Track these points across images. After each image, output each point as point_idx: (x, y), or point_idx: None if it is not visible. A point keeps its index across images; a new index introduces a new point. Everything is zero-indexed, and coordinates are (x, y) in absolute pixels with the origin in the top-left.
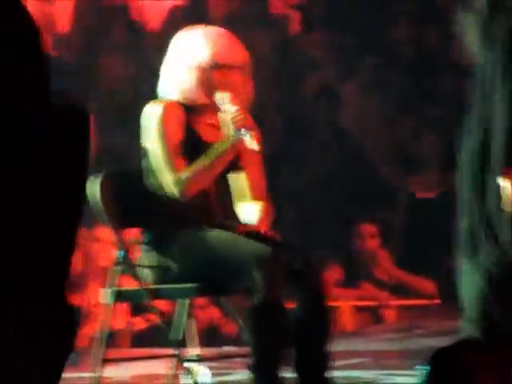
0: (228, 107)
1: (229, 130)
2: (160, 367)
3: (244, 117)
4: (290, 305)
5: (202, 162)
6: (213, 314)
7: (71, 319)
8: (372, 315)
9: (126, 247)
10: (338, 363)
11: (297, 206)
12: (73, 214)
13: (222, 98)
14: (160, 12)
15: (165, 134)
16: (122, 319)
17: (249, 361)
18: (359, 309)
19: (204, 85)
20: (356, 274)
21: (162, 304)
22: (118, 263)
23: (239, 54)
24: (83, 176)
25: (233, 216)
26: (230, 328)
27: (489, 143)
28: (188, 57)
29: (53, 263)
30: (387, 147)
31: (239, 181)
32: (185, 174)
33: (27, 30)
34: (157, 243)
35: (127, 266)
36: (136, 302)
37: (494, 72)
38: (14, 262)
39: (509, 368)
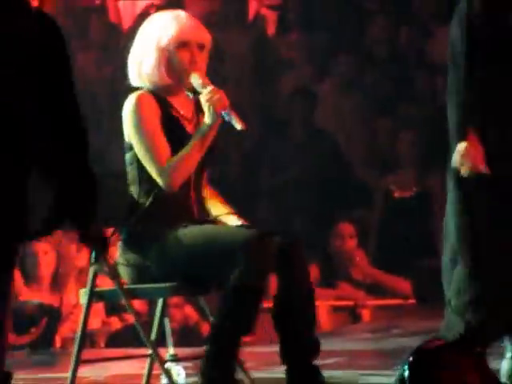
0: (202, 88)
1: (209, 112)
2: (136, 367)
3: (220, 96)
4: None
5: (185, 149)
6: (189, 313)
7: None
8: (349, 315)
9: (100, 246)
10: (315, 363)
11: (273, 205)
12: None
13: (194, 78)
14: (136, 12)
15: (142, 127)
16: (97, 319)
17: (206, 345)
18: (336, 309)
19: (170, 65)
20: (333, 273)
21: (135, 303)
22: (92, 263)
23: (202, 33)
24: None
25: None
26: (207, 328)
27: None
28: (151, 40)
29: None
30: (364, 147)
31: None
32: (168, 163)
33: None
34: (134, 242)
35: (103, 265)
36: (112, 302)
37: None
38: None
39: (486, 368)
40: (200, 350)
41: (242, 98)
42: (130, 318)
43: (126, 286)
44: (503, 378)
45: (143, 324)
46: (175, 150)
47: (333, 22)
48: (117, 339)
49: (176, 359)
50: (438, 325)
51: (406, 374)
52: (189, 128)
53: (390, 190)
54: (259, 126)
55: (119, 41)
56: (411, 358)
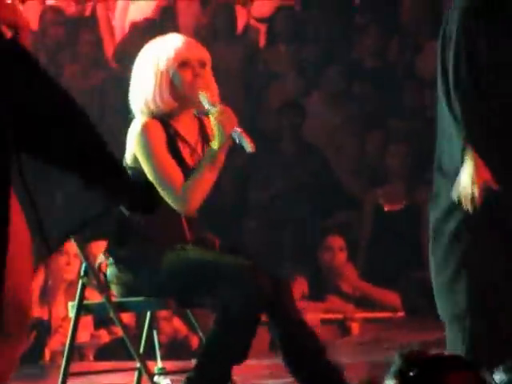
0: (210, 108)
1: (219, 132)
2: (124, 380)
3: (229, 115)
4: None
5: (198, 172)
6: (178, 326)
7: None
8: (338, 328)
9: (89, 260)
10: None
11: (262, 218)
12: None
13: (202, 97)
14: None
15: (152, 155)
16: (86, 332)
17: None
18: (325, 322)
19: (173, 87)
20: (322, 286)
21: (124, 317)
22: (81, 276)
23: (201, 50)
24: None
25: (203, 229)
26: (196, 341)
27: None
28: (150, 65)
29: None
30: (353, 160)
31: None
32: (184, 189)
33: None
34: (126, 261)
35: (91, 278)
36: (101, 315)
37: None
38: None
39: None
40: (188, 363)
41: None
42: (119, 331)
43: (114, 300)
44: None
45: (132, 337)
46: None
47: (322, 34)
48: (105, 352)
49: (164, 372)
50: (428, 337)
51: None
52: (190, 159)
53: (379, 203)
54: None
55: (108, 53)
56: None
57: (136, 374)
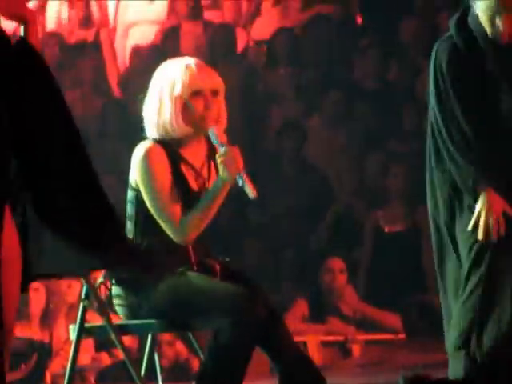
0: (217, 145)
1: (223, 173)
2: None
3: (235, 157)
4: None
5: (199, 206)
6: (180, 349)
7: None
8: (339, 350)
9: (90, 283)
10: None
11: (262, 240)
12: None
13: (211, 133)
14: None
15: (152, 184)
16: (87, 355)
17: None
18: (326, 344)
19: (186, 113)
20: (323, 308)
21: (125, 339)
22: (82, 299)
23: (214, 79)
24: None
25: (207, 253)
26: (197, 364)
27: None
28: (166, 89)
29: None
30: (353, 181)
31: None
32: (184, 221)
33: None
34: (129, 283)
35: (92, 301)
36: (102, 338)
37: None
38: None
39: None
40: None
41: (230, 132)
42: (120, 354)
43: (115, 322)
44: None
45: (133, 360)
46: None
47: (322, 56)
48: (107, 375)
49: None
50: (429, 359)
51: None
52: (195, 183)
53: (380, 225)
54: (248, 159)
55: (109, 78)
56: None
57: None
